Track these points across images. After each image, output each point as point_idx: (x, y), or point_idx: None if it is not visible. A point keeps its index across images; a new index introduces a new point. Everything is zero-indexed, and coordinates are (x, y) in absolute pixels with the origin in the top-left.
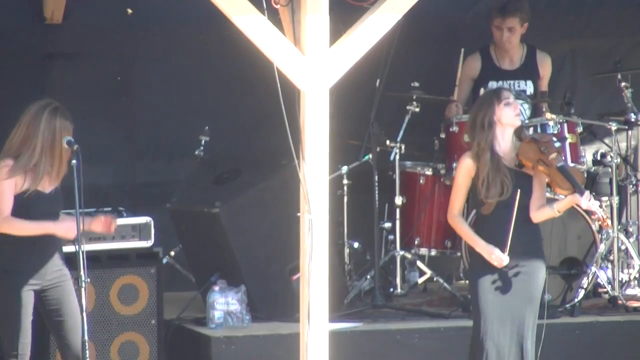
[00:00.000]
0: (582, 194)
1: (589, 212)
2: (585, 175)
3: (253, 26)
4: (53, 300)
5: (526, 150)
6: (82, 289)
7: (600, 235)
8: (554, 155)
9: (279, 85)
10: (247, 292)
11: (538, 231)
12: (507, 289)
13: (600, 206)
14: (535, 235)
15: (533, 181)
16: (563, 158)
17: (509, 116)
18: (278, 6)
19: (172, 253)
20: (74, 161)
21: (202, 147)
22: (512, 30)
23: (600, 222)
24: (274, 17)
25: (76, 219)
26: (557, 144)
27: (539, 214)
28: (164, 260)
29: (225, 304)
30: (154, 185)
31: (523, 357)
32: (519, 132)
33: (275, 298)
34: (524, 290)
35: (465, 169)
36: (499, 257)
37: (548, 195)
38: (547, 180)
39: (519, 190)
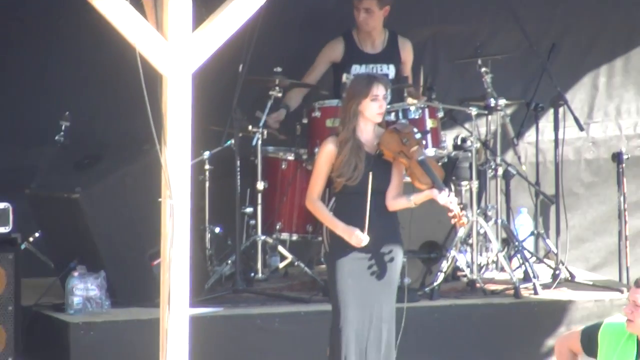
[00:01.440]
0: (440, 189)
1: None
2: (446, 160)
3: (114, 10)
4: None
5: (388, 141)
6: None
7: None
8: (415, 147)
9: (141, 70)
10: (107, 278)
11: (395, 216)
12: (365, 273)
13: (460, 203)
14: (393, 220)
15: (392, 170)
16: (424, 151)
17: (372, 112)
18: None
19: (31, 239)
20: None
21: (62, 133)
22: (369, 12)
23: (455, 220)
24: (136, 0)
25: None
26: (418, 136)
27: (395, 203)
28: (22, 246)
29: (84, 289)
30: (12, 171)
31: (381, 341)
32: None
33: (135, 283)
34: (382, 275)
35: (326, 153)
36: (358, 237)
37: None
38: (406, 173)
39: (370, 173)
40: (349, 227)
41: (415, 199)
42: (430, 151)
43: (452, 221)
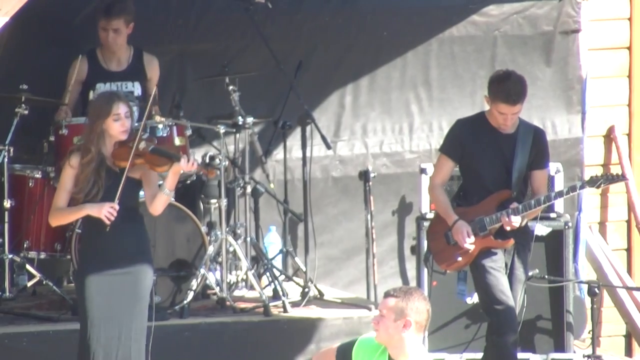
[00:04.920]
0: (179, 160)
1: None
2: (195, 178)
3: None
4: None
5: (119, 153)
6: None
7: (209, 238)
8: (142, 144)
9: None
10: None
11: (145, 232)
12: (113, 290)
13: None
14: (142, 237)
15: (143, 178)
16: (155, 141)
17: (116, 131)
18: None
19: None
20: None
21: None
22: (117, 32)
23: (205, 174)
24: None
25: None
26: (145, 135)
27: (155, 204)
28: None
29: None
30: None
31: (130, 359)
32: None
33: None
34: (130, 292)
35: (72, 165)
36: (109, 207)
37: None
38: (148, 168)
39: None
40: (97, 204)
41: (167, 185)
42: None
43: (203, 178)
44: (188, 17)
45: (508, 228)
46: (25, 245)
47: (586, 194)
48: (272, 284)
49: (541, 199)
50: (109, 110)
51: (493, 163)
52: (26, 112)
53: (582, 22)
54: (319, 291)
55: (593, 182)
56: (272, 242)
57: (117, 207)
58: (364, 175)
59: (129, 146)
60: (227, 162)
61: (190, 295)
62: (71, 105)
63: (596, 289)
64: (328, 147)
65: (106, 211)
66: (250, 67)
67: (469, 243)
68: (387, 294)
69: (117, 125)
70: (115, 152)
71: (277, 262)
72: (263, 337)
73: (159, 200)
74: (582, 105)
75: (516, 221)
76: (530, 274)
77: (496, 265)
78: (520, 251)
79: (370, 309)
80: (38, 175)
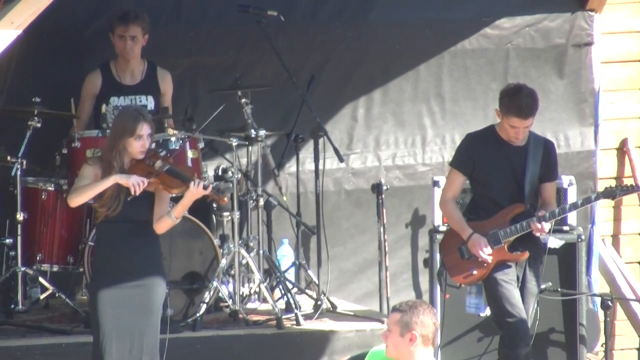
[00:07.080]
0: (190, 183)
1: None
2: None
3: None
4: None
5: (135, 170)
6: None
7: (222, 250)
8: (158, 163)
9: None
10: None
11: (157, 246)
12: (125, 303)
13: (206, 187)
14: (155, 250)
15: (155, 194)
16: (171, 161)
17: (135, 149)
18: None
19: None
20: None
21: None
22: (134, 40)
23: (216, 202)
24: None
25: None
26: (163, 152)
27: (159, 225)
28: None
29: None
30: None
31: None
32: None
33: None
34: (142, 305)
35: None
36: (137, 178)
37: None
38: (162, 188)
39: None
40: (126, 174)
41: (175, 213)
42: None
43: (214, 205)
44: (199, 30)
45: (538, 234)
46: (38, 258)
47: (599, 206)
48: (285, 296)
49: (566, 207)
50: (133, 129)
51: (504, 176)
52: (39, 125)
53: (595, 35)
54: (332, 304)
55: (608, 193)
56: (285, 255)
57: (146, 181)
58: (377, 188)
59: (146, 163)
60: (239, 175)
61: (203, 308)
62: (84, 119)
63: (609, 302)
64: (340, 159)
65: (135, 180)
66: (262, 79)
67: (487, 254)
68: (393, 309)
69: (138, 144)
70: (131, 169)
71: (290, 275)
72: (275, 349)
73: (164, 222)
74: (595, 118)
75: (547, 228)
76: (543, 286)
77: (508, 278)
78: (532, 264)
79: (382, 322)
80: (51, 187)
